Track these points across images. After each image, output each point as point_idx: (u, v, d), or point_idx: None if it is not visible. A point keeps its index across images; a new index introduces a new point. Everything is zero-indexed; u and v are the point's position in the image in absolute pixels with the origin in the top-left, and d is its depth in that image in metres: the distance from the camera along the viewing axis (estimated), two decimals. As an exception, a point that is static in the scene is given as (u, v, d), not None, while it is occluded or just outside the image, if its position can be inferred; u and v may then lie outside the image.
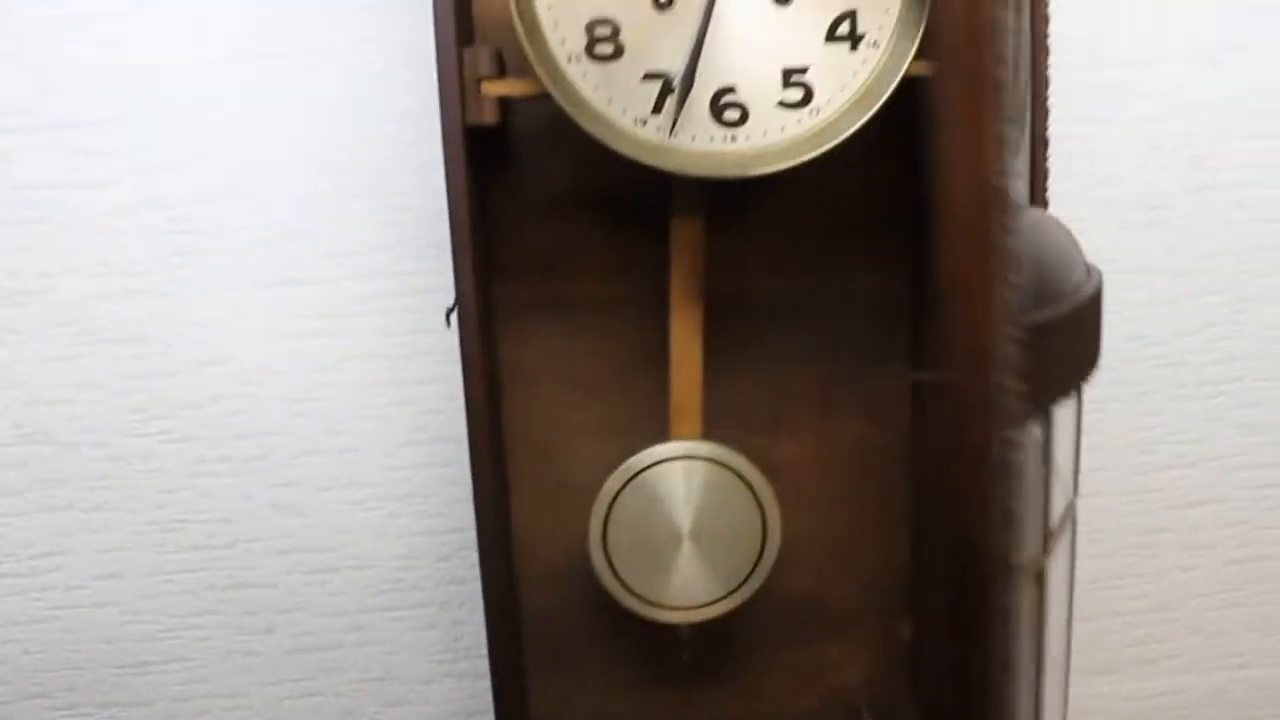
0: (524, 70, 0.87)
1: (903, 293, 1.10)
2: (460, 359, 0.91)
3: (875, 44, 0.88)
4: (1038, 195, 1.09)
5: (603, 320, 1.08)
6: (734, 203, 1.02)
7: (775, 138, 0.88)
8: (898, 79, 0.87)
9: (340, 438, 1.20)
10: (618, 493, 1.00)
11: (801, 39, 0.87)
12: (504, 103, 0.90)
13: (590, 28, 0.86)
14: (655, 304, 1.05)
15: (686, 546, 1.01)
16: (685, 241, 0.98)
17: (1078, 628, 0.94)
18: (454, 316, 0.90)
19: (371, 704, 1.28)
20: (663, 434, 1.04)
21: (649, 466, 1.00)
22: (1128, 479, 1.32)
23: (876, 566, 1.16)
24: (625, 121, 0.87)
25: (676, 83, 0.86)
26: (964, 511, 0.81)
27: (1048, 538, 0.92)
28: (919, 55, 0.87)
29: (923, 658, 1.15)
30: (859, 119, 0.87)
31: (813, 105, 0.88)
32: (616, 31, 0.86)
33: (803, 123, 0.88)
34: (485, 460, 0.93)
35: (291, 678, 1.27)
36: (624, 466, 1.00)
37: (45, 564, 1.24)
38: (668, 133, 0.87)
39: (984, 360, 0.71)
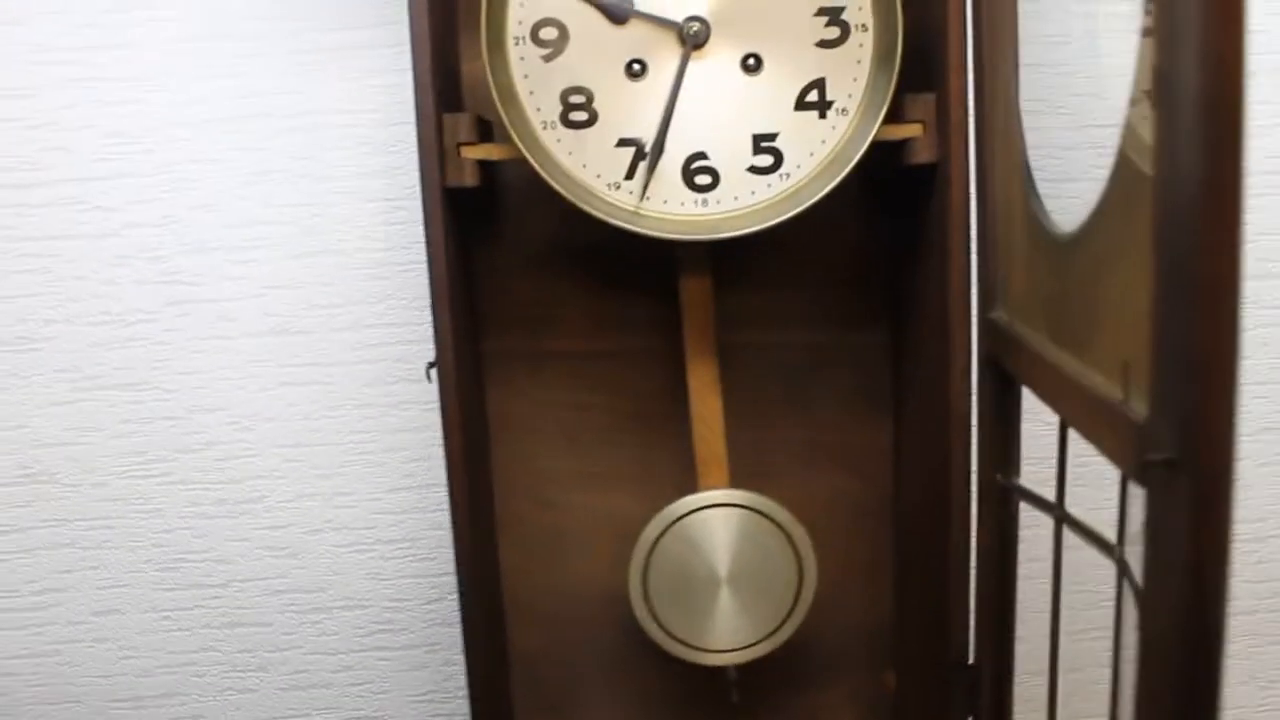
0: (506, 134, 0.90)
1: (888, 349, 1.12)
2: (440, 412, 0.94)
3: (844, 111, 0.90)
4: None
5: (587, 373, 1.11)
6: (726, 262, 1.05)
7: (746, 201, 0.91)
8: (866, 144, 0.89)
9: (331, 482, 1.23)
10: (657, 540, 1.02)
11: (771, 106, 0.90)
12: (485, 164, 0.93)
13: (565, 96, 0.89)
14: (644, 356, 1.08)
15: (725, 591, 1.03)
16: (696, 299, 1.01)
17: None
18: (434, 372, 0.93)
19: (362, 742, 1.31)
20: (647, 485, 1.06)
21: (687, 514, 1.03)
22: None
23: (861, 616, 1.17)
24: (599, 186, 0.90)
25: (648, 149, 0.89)
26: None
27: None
28: (887, 120, 0.90)
29: (906, 708, 1.16)
30: (828, 183, 0.89)
31: (782, 170, 0.91)
32: (590, 99, 0.89)
33: (773, 187, 0.91)
34: (464, 510, 0.95)
35: (284, 715, 1.30)
36: (663, 514, 1.02)
37: (47, 599, 1.27)
38: (639, 197, 0.90)
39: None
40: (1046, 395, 0.75)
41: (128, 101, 1.15)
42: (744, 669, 1.06)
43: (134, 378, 1.20)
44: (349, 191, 1.17)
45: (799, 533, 1.02)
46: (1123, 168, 0.60)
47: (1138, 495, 0.69)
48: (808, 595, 1.04)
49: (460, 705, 1.29)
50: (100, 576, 1.26)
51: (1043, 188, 0.80)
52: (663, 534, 1.02)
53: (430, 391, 1.14)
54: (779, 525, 1.02)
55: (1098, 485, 1.21)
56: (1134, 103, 0.58)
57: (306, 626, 1.27)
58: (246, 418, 1.21)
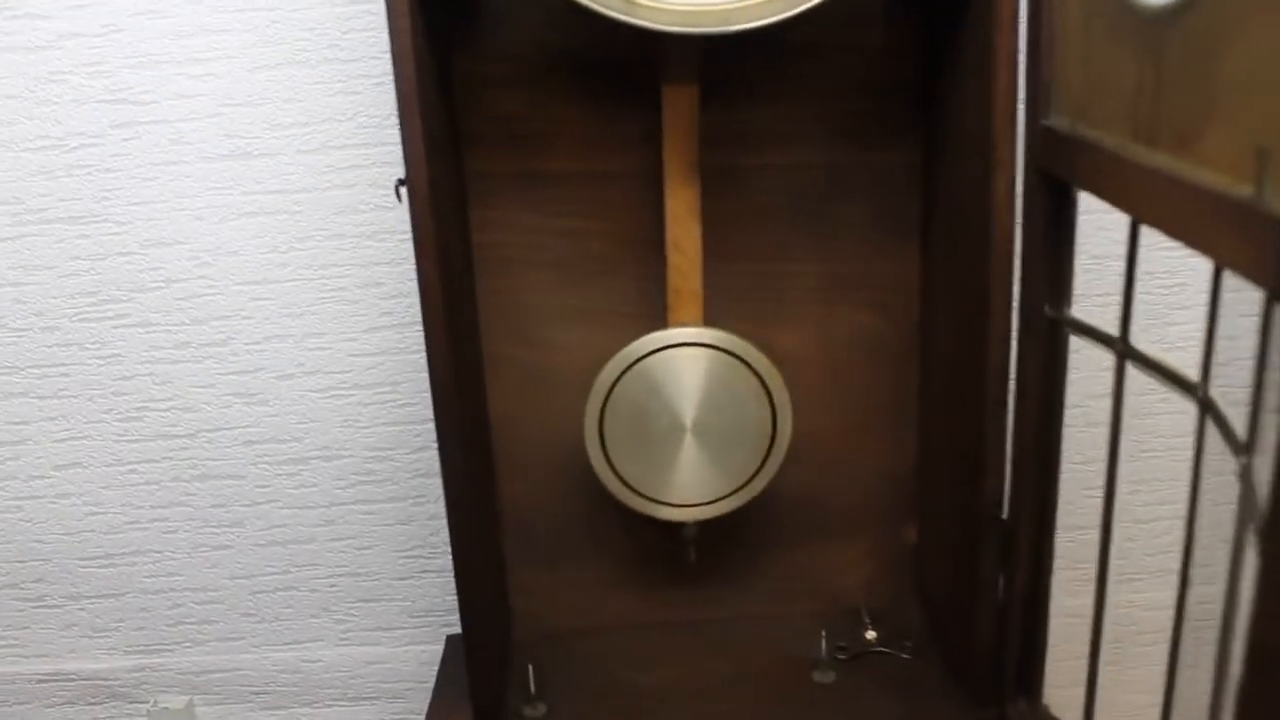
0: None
1: (914, 170, 1.00)
2: (412, 238, 0.82)
3: (880, -124, 0.76)
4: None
5: (582, 196, 0.99)
6: (728, 69, 0.92)
7: (763, -14, 0.77)
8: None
9: (303, 321, 1.12)
10: (615, 382, 0.92)
11: None
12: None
13: None
14: (641, 179, 0.96)
15: (690, 440, 0.94)
16: (679, 111, 0.88)
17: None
18: (404, 191, 0.81)
19: (346, 599, 1.23)
20: (651, 320, 0.95)
21: (649, 354, 0.92)
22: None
23: (882, 466, 1.08)
24: (591, -35, 0.77)
25: (648, -80, 0.76)
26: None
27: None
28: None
29: (929, 564, 1.08)
30: (859, -35, 0.76)
31: (806, -53, 0.77)
32: None
33: (795, -31, 0.77)
34: (440, 348, 0.84)
35: (263, 571, 1.22)
36: (622, 354, 0.92)
37: (4, 453, 1.17)
38: (639, -20, 0.77)
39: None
40: (1132, 204, 0.63)
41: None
42: (748, 518, 0.97)
43: (81, 210, 1.08)
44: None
45: (774, 378, 0.92)
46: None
47: (1231, 319, 0.59)
48: (781, 447, 0.95)
49: (449, 561, 1.21)
50: (59, 428, 1.17)
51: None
52: (622, 375, 0.92)
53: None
54: (751, 368, 0.92)
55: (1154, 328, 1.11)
56: None
57: (282, 479, 1.18)
58: (207, 251, 1.10)
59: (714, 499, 0.96)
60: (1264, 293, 0.45)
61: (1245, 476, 0.52)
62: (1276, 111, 0.44)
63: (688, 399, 0.92)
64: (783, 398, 0.93)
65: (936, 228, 0.98)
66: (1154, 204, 0.59)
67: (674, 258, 0.92)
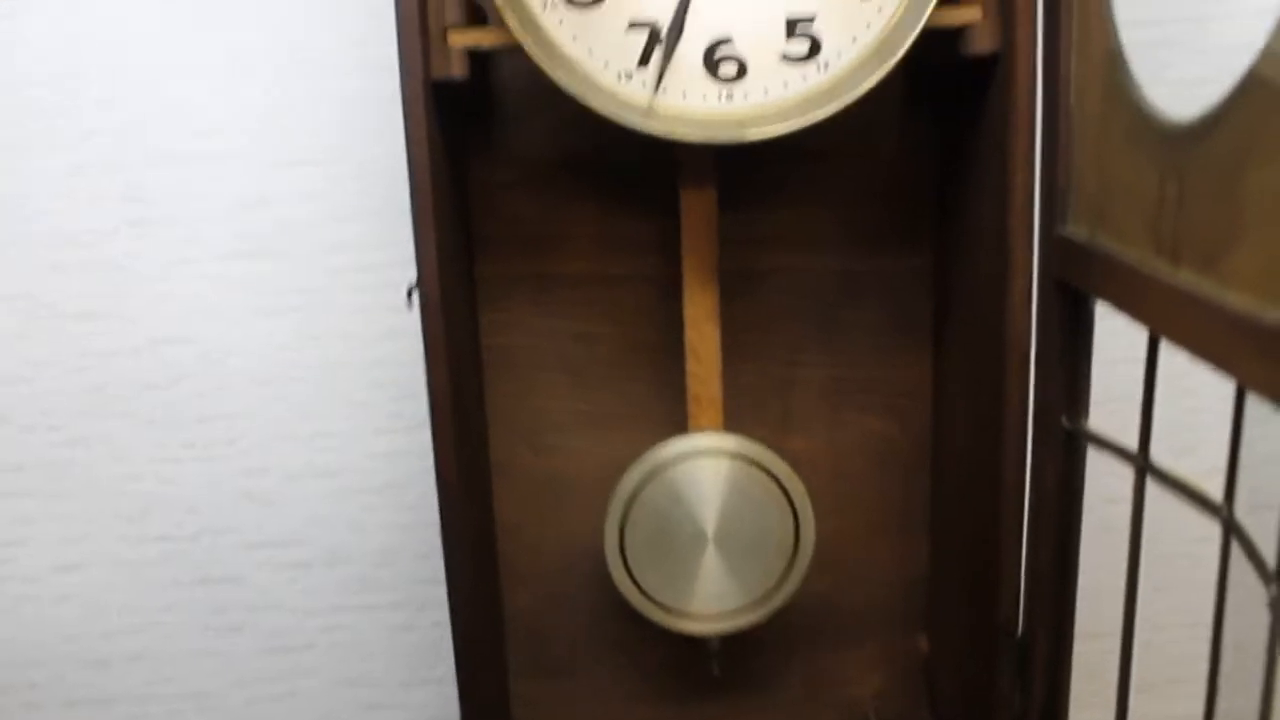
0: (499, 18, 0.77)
1: (926, 276, 1.00)
2: (424, 345, 0.82)
3: (892, -11, 0.77)
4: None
5: (594, 299, 0.99)
6: (744, 173, 0.93)
7: (777, 95, 0.78)
8: (918, 29, 0.76)
9: (312, 423, 1.11)
10: (637, 490, 0.91)
11: (808, -17, 0.77)
12: (476, 56, 0.80)
13: (568, -33, 0.76)
14: (653, 282, 0.96)
15: (712, 550, 0.92)
16: (698, 215, 0.88)
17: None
18: (415, 296, 0.81)
19: (347, 709, 1.20)
20: (664, 426, 0.94)
21: (672, 462, 0.91)
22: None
23: (892, 574, 1.06)
24: (607, 76, 0.77)
25: (665, 32, 0.76)
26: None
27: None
28: (941, 2, 0.77)
29: (941, 676, 1.05)
30: (873, 75, 0.76)
31: (820, 59, 0.77)
32: (598, -28, 0.76)
33: (809, 79, 0.78)
34: (449, 450, 0.83)
35: (262, 679, 1.19)
36: (643, 461, 0.90)
37: (3, 554, 1.16)
38: (654, 89, 0.77)
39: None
40: (1153, 319, 0.63)
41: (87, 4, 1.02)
42: (762, 626, 0.95)
43: (91, 306, 1.08)
44: (325, 94, 1.04)
45: (796, 487, 0.91)
46: None
47: (1254, 441, 0.57)
48: (805, 556, 0.92)
49: (454, 670, 1.18)
50: (61, 528, 1.15)
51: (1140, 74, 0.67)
52: (644, 484, 0.90)
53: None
54: (774, 477, 0.91)
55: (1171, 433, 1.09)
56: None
57: (285, 584, 1.16)
58: (216, 350, 1.09)
59: (737, 610, 0.94)
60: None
61: (1276, 607, 0.51)
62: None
63: (710, 508, 0.91)
64: (805, 507, 0.92)
65: (949, 333, 0.98)
66: (1176, 321, 0.59)
67: (692, 364, 0.91)
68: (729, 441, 0.91)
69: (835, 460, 1.02)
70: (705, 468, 0.91)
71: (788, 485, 0.91)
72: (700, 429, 0.92)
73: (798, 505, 0.92)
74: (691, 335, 0.91)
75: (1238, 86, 0.51)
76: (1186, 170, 0.58)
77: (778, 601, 0.93)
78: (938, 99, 0.93)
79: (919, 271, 1.00)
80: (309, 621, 1.17)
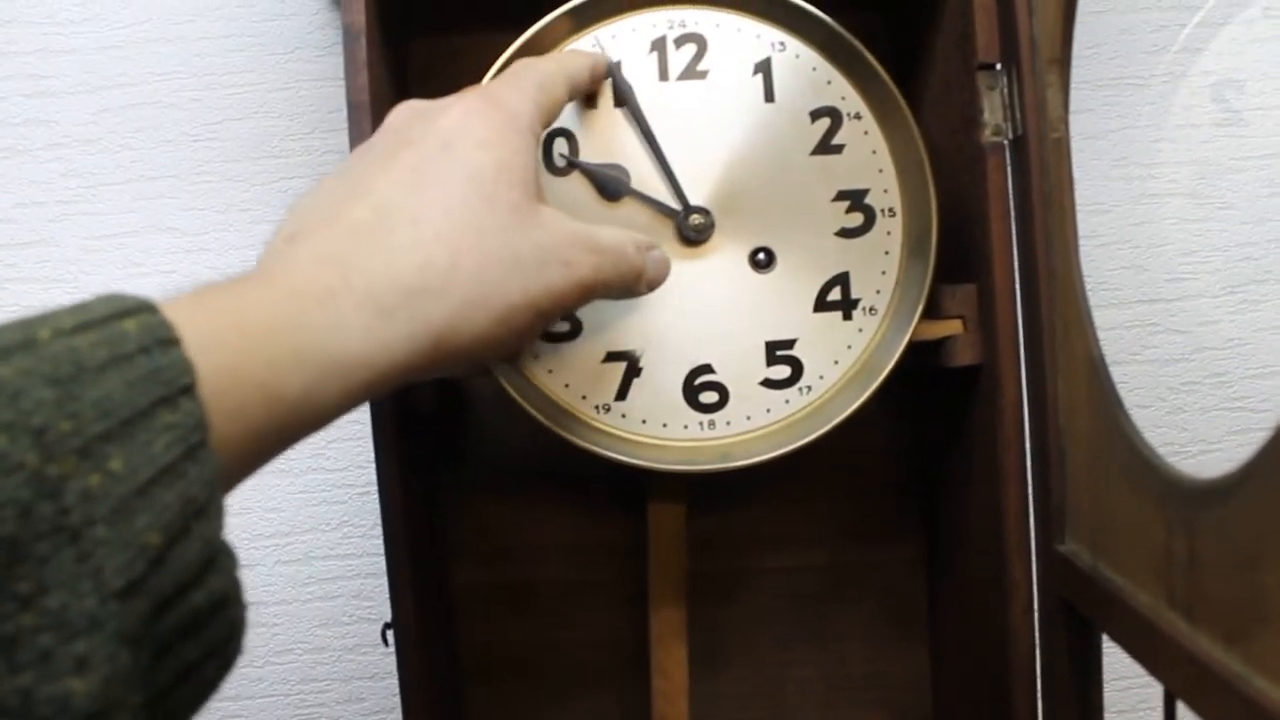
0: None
1: (921, 564, 0.97)
2: (398, 678, 0.77)
3: (872, 310, 0.76)
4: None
5: (564, 609, 0.95)
6: (720, 478, 0.90)
7: (760, 421, 0.76)
8: (901, 349, 0.75)
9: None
10: None
11: (787, 308, 0.76)
12: (445, 386, 0.78)
13: (541, 304, 0.75)
14: (627, 588, 0.93)
15: None
16: (664, 529, 0.84)
17: None
18: (390, 635, 0.77)
19: None
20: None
21: None
22: None
23: None
24: (585, 409, 0.75)
25: (643, 363, 0.75)
26: None
27: None
28: (923, 317, 0.76)
29: None
30: (857, 397, 0.75)
31: (802, 382, 0.76)
32: (572, 307, 0.75)
33: (791, 402, 0.76)
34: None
35: None
36: None
37: None
38: (635, 421, 0.75)
39: None
40: (1171, 680, 0.59)
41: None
42: None
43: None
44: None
45: None
46: None
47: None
48: None
49: None
50: None
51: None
52: None
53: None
54: None
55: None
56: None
57: None
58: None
59: None
60: None
61: None
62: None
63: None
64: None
65: (946, 623, 0.94)
66: (1198, 690, 0.55)
67: (658, 682, 0.86)
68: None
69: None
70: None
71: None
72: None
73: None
74: (657, 653, 0.86)
75: (1259, 456, 0.49)
76: (1198, 532, 0.55)
77: None
78: (928, 397, 0.92)
79: (910, 562, 0.97)
80: None
